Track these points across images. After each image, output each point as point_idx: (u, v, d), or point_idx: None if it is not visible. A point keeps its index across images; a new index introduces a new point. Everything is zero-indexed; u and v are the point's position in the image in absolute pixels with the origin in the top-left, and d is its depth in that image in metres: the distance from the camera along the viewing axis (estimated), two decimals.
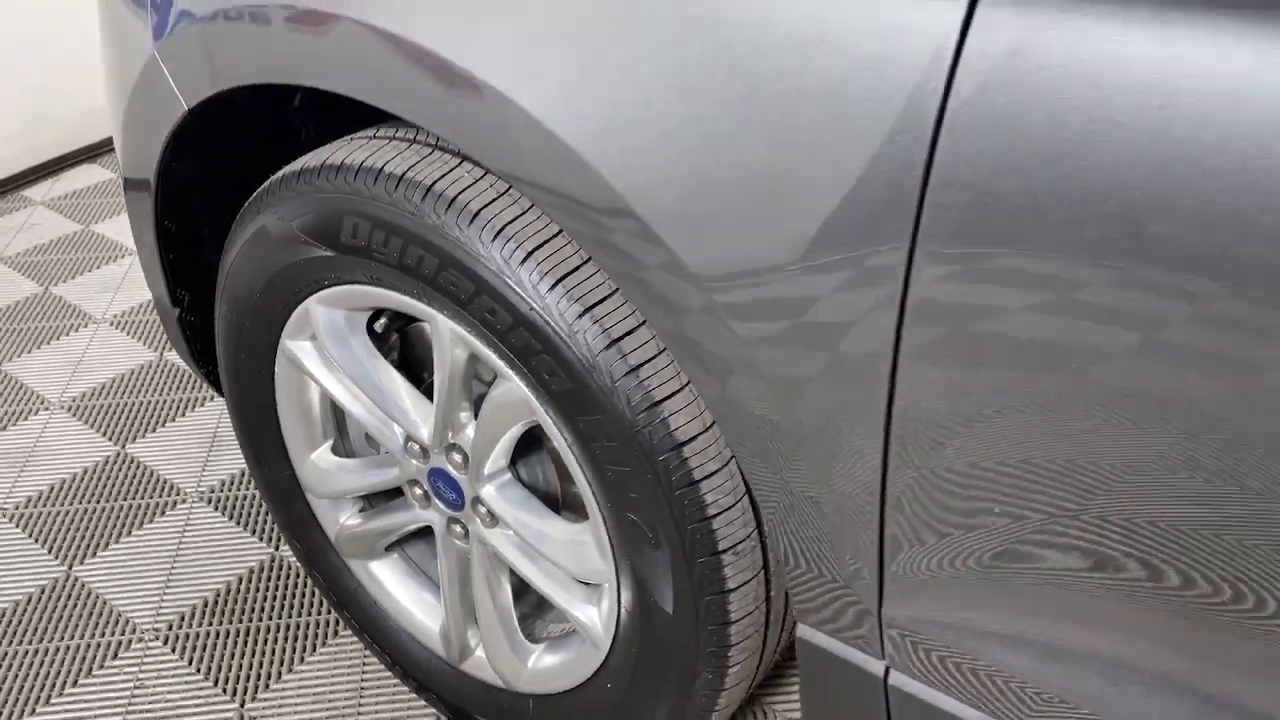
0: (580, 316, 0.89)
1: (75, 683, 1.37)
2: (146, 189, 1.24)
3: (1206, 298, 0.58)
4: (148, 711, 1.32)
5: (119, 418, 1.83)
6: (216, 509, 1.60)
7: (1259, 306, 0.56)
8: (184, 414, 1.83)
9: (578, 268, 0.89)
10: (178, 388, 1.90)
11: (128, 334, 2.06)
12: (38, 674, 1.37)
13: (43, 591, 1.50)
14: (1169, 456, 0.63)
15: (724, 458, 0.90)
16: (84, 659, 1.40)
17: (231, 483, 1.66)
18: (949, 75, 0.63)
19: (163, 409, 1.84)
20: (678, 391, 0.89)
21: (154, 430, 1.80)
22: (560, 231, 0.90)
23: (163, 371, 1.95)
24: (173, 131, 1.14)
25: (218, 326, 1.25)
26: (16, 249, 2.40)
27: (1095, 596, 0.71)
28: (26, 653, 1.40)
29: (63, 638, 1.42)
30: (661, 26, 0.74)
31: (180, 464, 1.72)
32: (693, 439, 0.89)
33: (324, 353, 1.16)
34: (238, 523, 1.60)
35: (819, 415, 0.77)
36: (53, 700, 1.34)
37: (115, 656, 1.40)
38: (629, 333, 0.89)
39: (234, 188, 1.24)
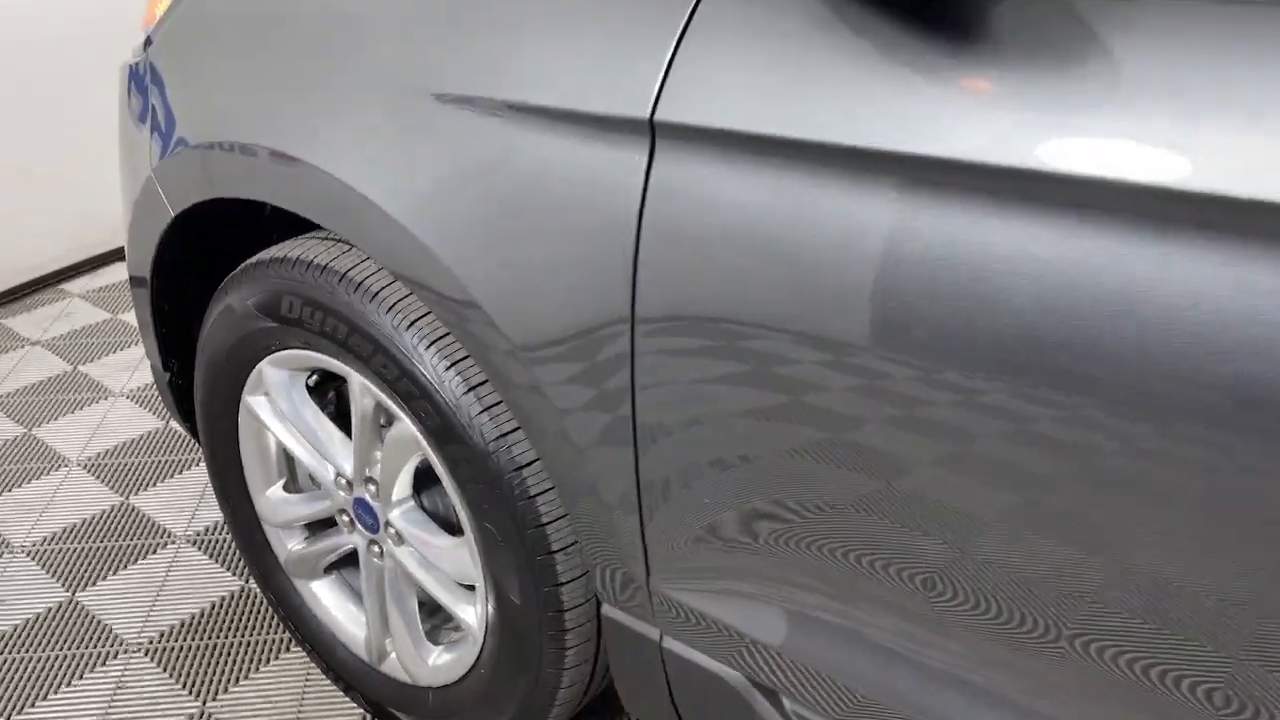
0: (447, 370, 1.19)
1: (69, 683, 1.65)
2: (144, 285, 1.57)
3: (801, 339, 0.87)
4: (127, 707, 1.60)
5: (126, 474, 2.14)
6: (200, 549, 1.89)
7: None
8: (180, 472, 2.14)
9: (445, 334, 1.20)
10: (177, 449, 2.21)
11: (140, 406, 2.39)
12: (37, 676, 1.66)
13: (49, 611, 1.79)
14: (865, 451, 0.89)
15: (552, 479, 1.19)
16: (78, 666, 1.68)
17: (214, 528, 1.95)
18: (641, 204, 0.93)
19: (163, 468, 2.16)
20: (517, 428, 1.18)
21: (154, 485, 2.10)
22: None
23: (167, 436, 2.26)
24: (163, 234, 1.47)
25: (196, 387, 1.56)
26: (52, 334, 2.75)
27: (822, 571, 0.97)
28: (30, 660, 1.69)
29: (61, 648, 1.71)
30: (467, 176, 1.06)
31: (173, 512, 2.03)
32: (530, 464, 1.18)
33: (274, 405, 1.47)
34: (216, 560, 1.89)
35: (589, 435, 1.06)
36: (49, 696, 1.62)
37: (104, 664, 1.68)
38: (482, 383, 1.19)
39: (214, 277, 1.57)
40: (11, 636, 1.74)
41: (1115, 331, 0.72)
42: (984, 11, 0.77)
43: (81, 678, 1.66)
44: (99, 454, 2.23)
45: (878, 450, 0.87)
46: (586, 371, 1.03)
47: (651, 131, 0.92)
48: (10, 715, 1.59)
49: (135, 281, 1.60)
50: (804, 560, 0.97)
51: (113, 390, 2.47)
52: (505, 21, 1.04)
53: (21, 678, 1.66)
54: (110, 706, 1.60)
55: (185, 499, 2.06)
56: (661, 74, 0.91)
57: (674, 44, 0.90)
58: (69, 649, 1.71)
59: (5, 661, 1.68)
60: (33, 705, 1.61)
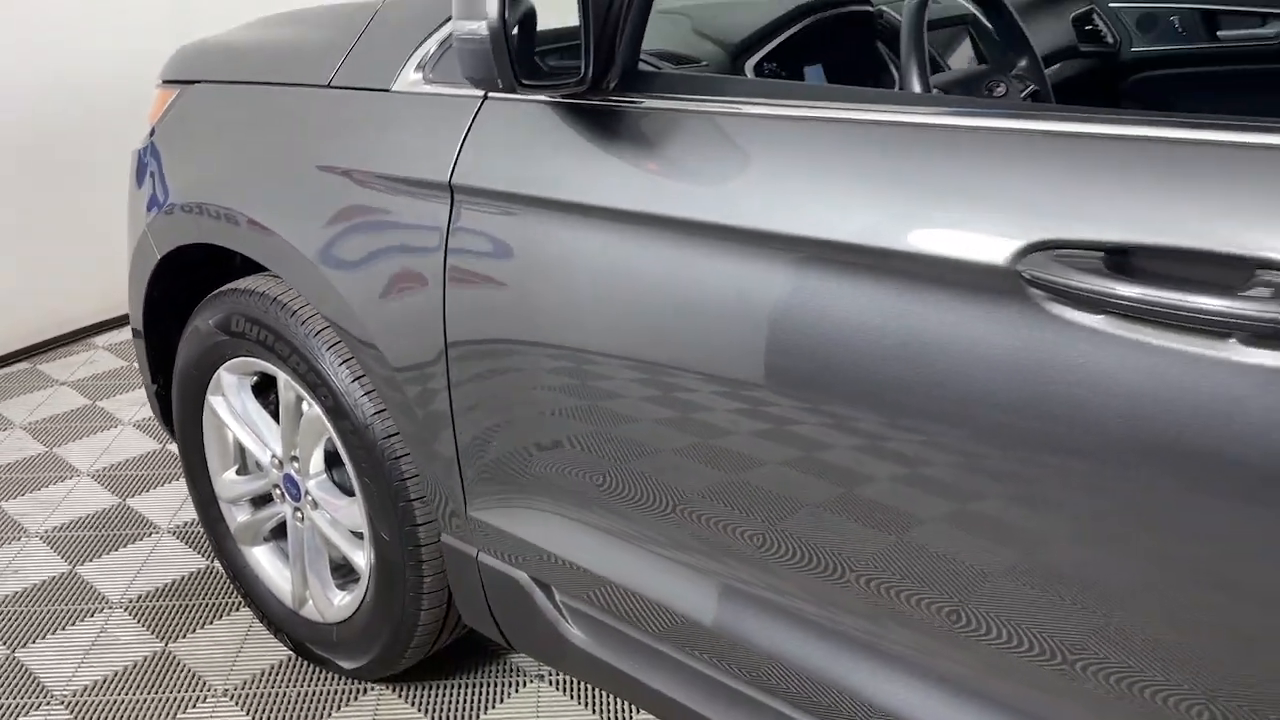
0: (339, 366, 1.65)
1: None
2: (140, 335, 2.05)
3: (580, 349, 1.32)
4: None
5: (128, 483, 2.60)
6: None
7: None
8: (171, 482, 2.59)
9: (338, 342, 1.66)
10: (171, 465, 2.67)
11: (143, 433, 2.85)
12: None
13: (53, 580, 2.23)
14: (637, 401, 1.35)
15: (408, 446, 1.63)
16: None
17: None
18: (444, 251, 1.39)
19: (159, 479, 2.61)
20: (384, 409, 1.63)
21: (151, 489, 2.56)
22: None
23: (163, 455, 2.72)
24: (151, 273, 1.95)
25: (174, 394, 2.02)
26: (78, 376, 3.26)
27: (574, 496, 1.41)
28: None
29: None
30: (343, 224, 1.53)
31: (162, 508, 2.48)
32: (393, 435, 1.62)
33: (228, 403, 1.93)
34: (193, 546, 2.34)
35: (427, 415, 1.50)
36: None
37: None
38: (361, 376, 1.64)
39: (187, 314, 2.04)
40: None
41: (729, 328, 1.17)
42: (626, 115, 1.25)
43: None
44: (106, 467, 2.69)
45: (601, 406, 1.31)
46: (422, 373, 1.48)
47: (451, 194, 1.39)
48: None
49: (135, 332, 2.09)
50: (561, 488, 1.41)
51: (122, 420, 2.96)
52: (364, 120, 1.53)
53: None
54: None
55: (174, 499, 2.51)
56: (455, 152, 1.38)
57: (464, 133, 1.38)
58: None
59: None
60: None
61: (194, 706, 1.90)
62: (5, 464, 2.74)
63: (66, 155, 3.41)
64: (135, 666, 2.00)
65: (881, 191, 1.06)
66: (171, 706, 1.89)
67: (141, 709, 1.89)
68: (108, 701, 1.91)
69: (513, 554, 1.52)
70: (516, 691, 1.92)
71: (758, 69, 1.67)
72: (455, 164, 1.38)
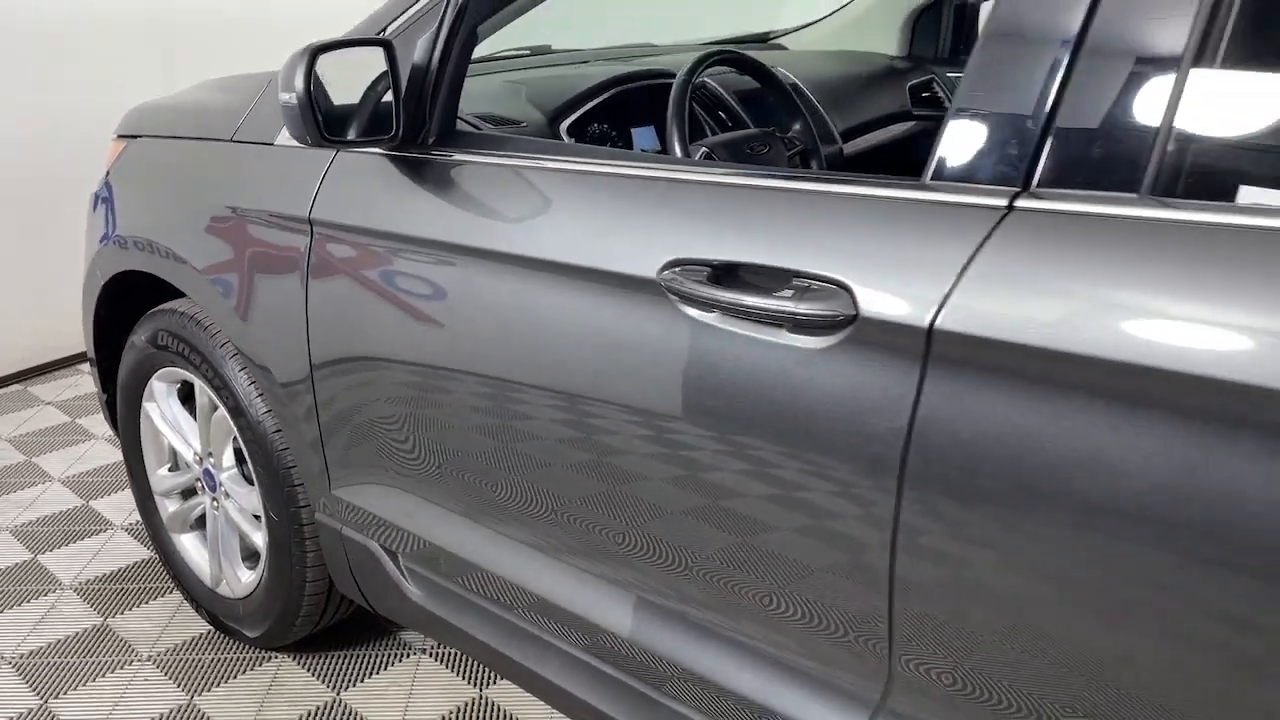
0: (239, 372, 1.97)
1: None
2: (91, 349, 2.38)
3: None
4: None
5: (94, 487, 2.92)
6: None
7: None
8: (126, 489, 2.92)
9: (238, 353, 1.98)
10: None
11: (113, 446, 3.19)
12: None
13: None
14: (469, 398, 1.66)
15: (287, 440, 1.94)
16: None
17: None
18: (305, 280, 1.72)
19: (123, 483, 2.94)
20: (270, 409, 1.94)
21: (112, 493, 2.88)
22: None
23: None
24: (98, 296, 2.29)
25: (117, 402, 2.35)
26: (63, 398, 3.60)
27: (413, 476, 1.71)
28: None
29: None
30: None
31: (119, 506, 2.80)
32: (278, 430, 1.94)
33: (160, 409, 2.25)
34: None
35: (299, 414, 1.82)
36: None
37: None
38: (254, 381, 1.96)
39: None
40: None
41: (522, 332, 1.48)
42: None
43: None
44: (77, 474, 3.03)
45: (426, 402, 1.62)
46: (293, 378, 1.80)
47: (310, 227, 1.71)
48: None
49: (85, 336, 2.42)
50: (400, 470, 1.72)
51: (96, 435, 3.29)
52: (254, 168, 1.86)
53: None
54: None
55: (131, 502, 2.84)
56: (314, 193, 1.71)
57: (321, 176, 1.71)
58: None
59: None
60: None
61: (121, 669, 2.20)
62: None
63: (67, 201, 3.78)
64: (76, 636, 2.31)
65: (590, 222, 1.37)
66: (103, 669, 2.20)
67: (78, 671, 2.19)
68: (50, 663, 2.22)
69: (367, 526, 1.82)
70: (400, 661, 2.21)
71: (584, 130, 2.00)
72: (314, 202, 1.71)
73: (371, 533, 1.82)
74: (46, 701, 2.10)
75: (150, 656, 2.24)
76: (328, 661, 2.21)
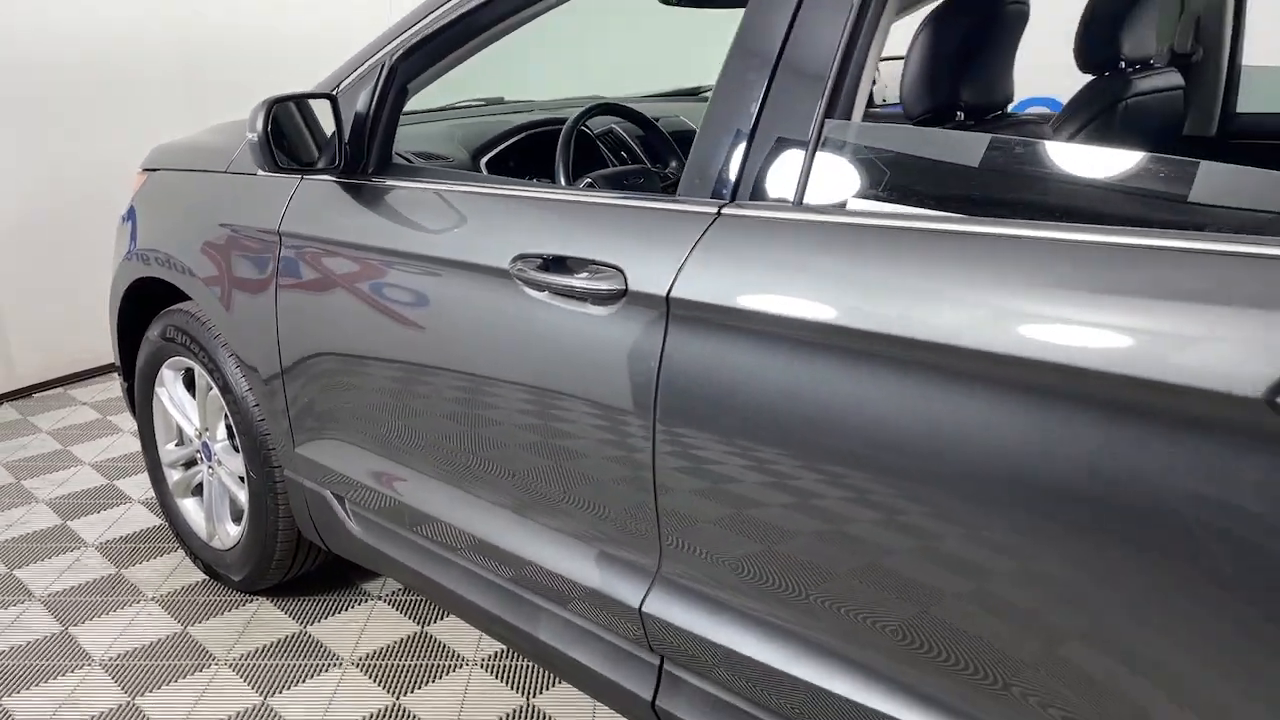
0: (227, 358, 2.44)
1: None
2: (115, 345, 2.88)
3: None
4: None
5: (122, 470, 3.41)
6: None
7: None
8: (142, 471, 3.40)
9: (227, 343, 2.45)
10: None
11: (136, 437, 3.68)
12: None
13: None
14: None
15: (262, 411, 2.40)
16: None
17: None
18: (277, 264, 2.19)
19: (141, 466, 3.42)
20: (250, 386, 2.41)
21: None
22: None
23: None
24: (121, 302, 2.78)
25: (135, 388, 2.83)
26: (100, 399, 4.11)
27: (357, 433, 2.17)
28: None
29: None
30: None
31: (137, 484, 3.28)
32: (257, 404, 2.40)
33: (168, 392, 2.73)
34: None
35: (270, 390, 2.29)
36: None
37: None
38: (240, 364, 2.43)
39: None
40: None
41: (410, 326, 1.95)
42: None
43: None
44: (106, 460, 3.52)
45: (367, 375, 2.08)
46: (267, 361, 2.27)
47: (279, 237, 2.19)
48: None
49: (110, 333, 2.92)
50: (344, 429, 2.17)
51: (123, 429, 3.79)
52: (242, 193, 2.34)
53: None
54: None
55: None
56: (283, 210, 2.18)
57: (289, 198, 2.18)
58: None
59: None
60: None
61: (128, 607, 2.66)
62: None
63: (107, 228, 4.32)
64: (95, 581, 2.78)
65: (469, 227, 1.83)
66: (113, 606, 2.66)
67: (96, 608, 2.66)
68: (74, 601, 2.69)
69: (322, 477, 2.27)
70: (359, 604, 2.65)
71: (504, 163, 2.46)
72: (283, 217, 2.18)
73: (324, 482, 2.27)
74: (67, 628, 2.56)
75: (155, 598, 2.70)
76: (298, 603, 2.66)
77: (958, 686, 1.28)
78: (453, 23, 1.95)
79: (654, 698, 1.67)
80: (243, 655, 2.46)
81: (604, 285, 1.55)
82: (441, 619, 2.58)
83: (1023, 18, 1.80)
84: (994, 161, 1.34)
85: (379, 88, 2.02)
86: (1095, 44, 2.02)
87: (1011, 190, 1.36)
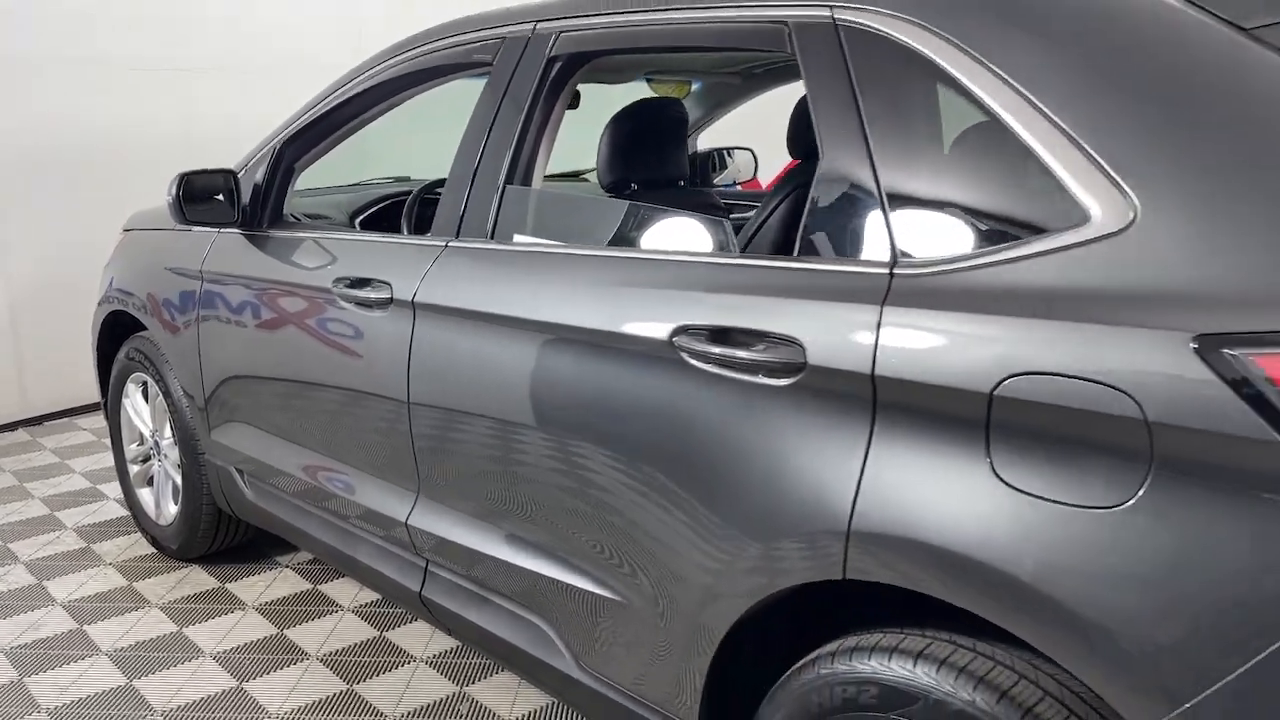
0: (170, 373, 3.18)
1: None
2: (96, 366, 3.65)
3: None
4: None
5: (104, 476, 4.15)
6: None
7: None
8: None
9: (169, 362, 3.20)
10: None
11: None
12: None
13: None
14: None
15: (191, 411, 3.13)
16: None
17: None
18: (199, 296, 2.95)
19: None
20: (188, 394, 3.15)
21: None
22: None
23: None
24: (99, 331, 3.54)
25: (108, 398, 3.58)
26: (101, 425, 4.88)
27: (252, 417, 2.90)
28: None
29: None
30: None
31: (103, 478, 4.01)
32: (189, 406, 3.14)
33: (132, 402, 3.48)
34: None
35: (195, 397, 3.03)
36: None
37: None
38: (176, 378, 3.17)
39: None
40: None
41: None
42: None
43: None
44: (98, 469, 4.26)
45: (258, 378, 2.81)
46: (194, 376, 3.01)
47: (201, 275, 2.94)
48: None
49: (93, 354, 3.69)
50: (242, 417, 2.89)
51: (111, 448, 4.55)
52: (183, 243, 3.11)
53: None
54: None
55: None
56: (205, 254, 2.94)
57: (210, 244, 2.94)
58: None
59: None
60: None
61: (87, 569, 3.37)
62: None
63: None
64: (64, 552, 3.50)
65: (318, 262, 2.57)
66: (75, 568, 3.37)
67: (62, 570, 3.37)
68: (50, 566, 3.40)
69: (228, 457, 2.99)
70: (269, 570, 3.34)
71: (377, 222, 3.22)
72: (204, 259, 2.94)
73: (229, 460, 2.98)
74: (41, 582, 3.28)
75: (112, 563, 3.41)
76: (221, 568, 3.35)
77: (585, 554, 1.94)
78: (320, 118, 2.72)
79: (420, 590, 2.34)
80: (171, 601, 3.15)
81: (374, 294, 2.27)
82: (334, 580, 3.25)
83: (682, 121, 2.53)
84: (583, 211, 2.06)
85: (270, 164, 2.78)
86: (798, 136, 2.73)
87: (592, 228, 2.09)
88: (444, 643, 2.86)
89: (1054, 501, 1.27)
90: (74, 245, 5.00)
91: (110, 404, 3.58)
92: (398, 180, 3.76)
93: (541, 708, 2.55)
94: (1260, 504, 1.13)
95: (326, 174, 3.36)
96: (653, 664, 1.81)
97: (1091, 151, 1.32)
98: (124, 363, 3.43)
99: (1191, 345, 1.17)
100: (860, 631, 1.51)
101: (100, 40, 4.95)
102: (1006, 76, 1.42)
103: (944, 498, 1.37)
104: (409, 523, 2.31)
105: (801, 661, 1.58)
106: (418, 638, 2.90)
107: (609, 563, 1.86)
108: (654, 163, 2.51)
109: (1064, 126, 1.35)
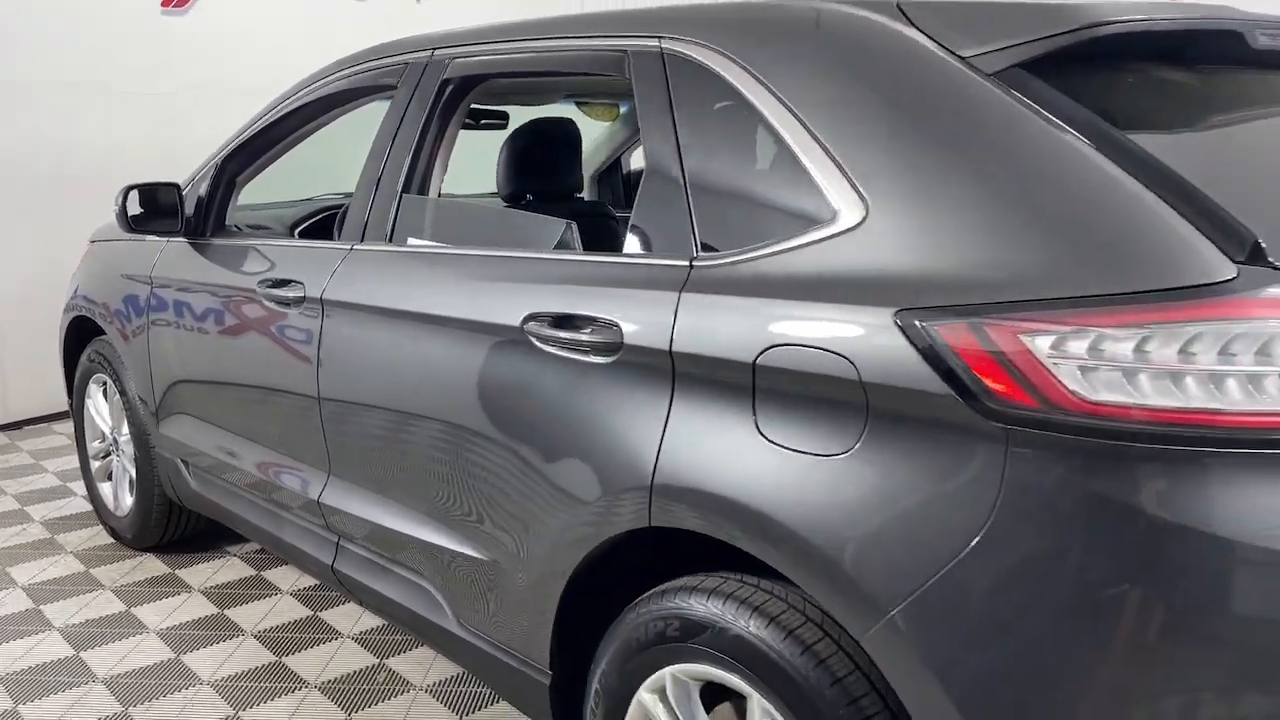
0: (128, 376, 3.43)
1: None
2: (64, 368, 3.90)
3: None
4: None
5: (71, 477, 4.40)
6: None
7: None
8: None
9: (124, 360, 3.45)
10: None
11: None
12: None
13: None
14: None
15: (146, 404, 3.37)
16: None
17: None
18: (149, 302, 3.20)
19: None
20: (139, 394, 3.40)
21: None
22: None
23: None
24: (65, 333, 3.80)
25: (74, 397, 3.83)
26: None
27: (201, 411, 3.14)
28: None
29: None
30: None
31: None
32: (145, 402, 3.38)
33: (94, 402, 3.73)
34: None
35: (148, 392, 3.27)
36: None
37: None
38: (131, 379, 3.42)
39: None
40: None
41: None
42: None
43: None
44: (70, 469, 4.51)
45: (200, 375, 3.06)
46: (145, 375, 3.26)
47: (151, 280, 3.20)
48: None
49: (60, 358, 3.94)
50: (185, 412, 3.14)
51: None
52: (135, 251, 3.36)
53: None
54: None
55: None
56: (155, 261, 3.20)
57: (159, 252, 3.20)
58: None
59: None
60: None
61: (49, 557, 3.61)
62: None
63: None
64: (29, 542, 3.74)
65: (253, 266, 2.82)
66: (50, 552, 3.61)
67: (29, 557, 3.61)
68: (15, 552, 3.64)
69: (175, 448, 3.23)
70: (219, 559, 3.57)
71: (314, 233, 3.47)
72: (154, 266, 3.19)
73: (175, 451, 3.23)
74: (5, 568, 3.52)
75: (73, 552, 3.65)
76: (174, 558, 3.59)
77: (459, 521, 2.17)
78: (256, 135, 2.98)
79: (333, 563, 2.57)
80: (123, 585, 3.39)
81: (291, 292, 2.52)
82: (277, 567, 3.49)
83: (573, 138, 2.79)
84: (464, 217, 2.32)
85: (213, 178, 3.04)
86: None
87: (470, 232, 2.36)
88: (371, 621, 3.09)
89: (798, 451, 1.51)
90: (55, 263, 5.24)
91: (75, 404, 3.83)
92: (345, 196, 4.02)
93: (451, 677, 2.78)
94: (943, 446, 1.37)
95: (282, 190, 3.65)
96: (515, 615, 2.04)
97: (838, 159, 1.57)
98: (86, 364, 3.68)
99: (893, 319, 1.41)
100: (676, 577, 1.75)
101: (83, 65, 5.23)
102: (781, 95, 1.67)
103: (721, 453, 1.61)
104: (321, 501, 2.54)
105: (632, 604, 1.81)
106: (347, 617, 3.13)
107: (477, 526, 2.09)
108: (547, 176, 2.76)
109: (820, 138, 1.60)
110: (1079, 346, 1.28)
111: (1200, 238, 1.29)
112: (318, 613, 3.16)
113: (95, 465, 3.79)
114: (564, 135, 2.79)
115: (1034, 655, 1.32)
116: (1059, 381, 1.29)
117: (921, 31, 1.60)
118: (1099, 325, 1.28)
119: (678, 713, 1.73)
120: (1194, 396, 1.24)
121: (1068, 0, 1.61)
